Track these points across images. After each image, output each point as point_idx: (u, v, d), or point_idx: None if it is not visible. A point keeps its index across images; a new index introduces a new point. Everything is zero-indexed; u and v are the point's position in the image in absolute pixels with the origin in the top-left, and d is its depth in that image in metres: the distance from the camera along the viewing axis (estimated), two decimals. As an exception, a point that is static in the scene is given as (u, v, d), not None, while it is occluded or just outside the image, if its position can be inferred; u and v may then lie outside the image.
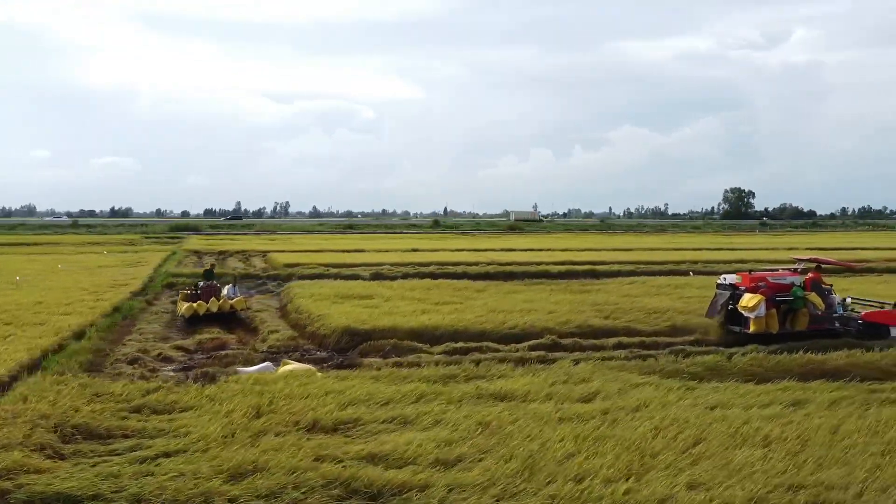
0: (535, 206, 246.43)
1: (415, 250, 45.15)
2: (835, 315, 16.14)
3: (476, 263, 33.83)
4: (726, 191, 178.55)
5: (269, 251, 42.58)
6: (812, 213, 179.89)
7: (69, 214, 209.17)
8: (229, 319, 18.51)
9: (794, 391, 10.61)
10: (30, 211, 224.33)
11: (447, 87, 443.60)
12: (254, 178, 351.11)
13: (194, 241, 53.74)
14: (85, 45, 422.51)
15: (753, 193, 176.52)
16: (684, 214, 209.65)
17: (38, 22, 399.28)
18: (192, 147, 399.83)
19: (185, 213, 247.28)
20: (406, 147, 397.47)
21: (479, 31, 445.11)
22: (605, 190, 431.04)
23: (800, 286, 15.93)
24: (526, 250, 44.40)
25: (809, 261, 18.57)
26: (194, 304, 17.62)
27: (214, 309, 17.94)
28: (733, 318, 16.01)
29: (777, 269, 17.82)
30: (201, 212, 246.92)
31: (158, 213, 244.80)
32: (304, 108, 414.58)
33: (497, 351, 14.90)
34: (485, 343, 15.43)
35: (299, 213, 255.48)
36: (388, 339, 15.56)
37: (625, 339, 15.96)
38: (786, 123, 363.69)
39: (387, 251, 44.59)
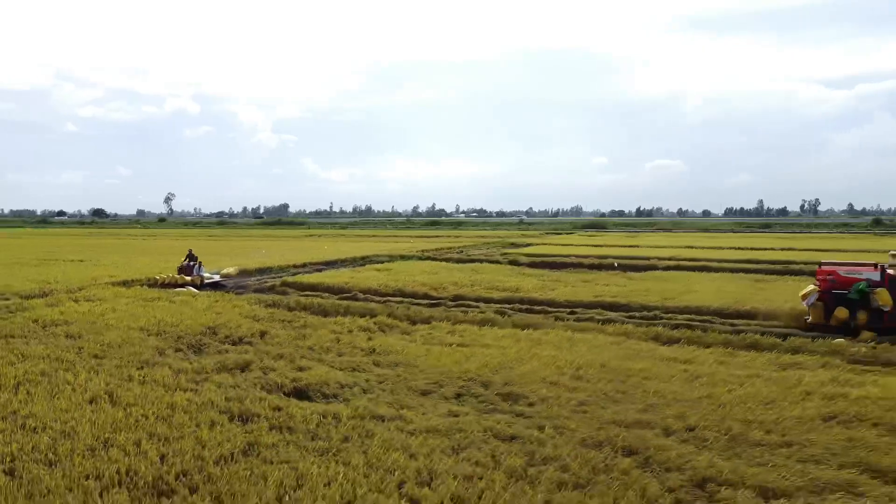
0: None
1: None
2: None
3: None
4: None
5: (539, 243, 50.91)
6: None
7: (601, 213, 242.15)
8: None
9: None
10: (576, 211, 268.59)
11: None
12: (806, 172, 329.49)
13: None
14: (637, 59, 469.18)
15: None
16: None
17: (604, 48, 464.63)
18: (740, 145, 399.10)
19: (705, 213, 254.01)
20: None
21: None
22: None
23: (865, 282, 15.65)
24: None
25: None
26: (176, 276, 24.13)
27: (188, 279, 23.87)
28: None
29: (858, 264, 16.91)
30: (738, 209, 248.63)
31: (679, 212, 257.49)
32: (867, 92, 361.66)
33: None
34: None
35: (829, 211, 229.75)
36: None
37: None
38: None
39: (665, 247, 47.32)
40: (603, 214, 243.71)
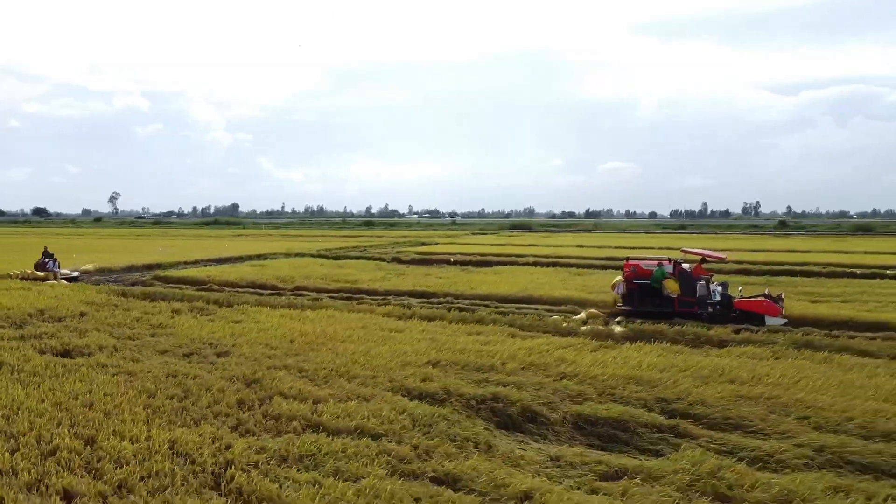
0: None
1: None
2: (709, 301, 18.20)
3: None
4: None
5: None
6: None
7: (554, 215, 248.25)
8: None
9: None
10: (529, 212, 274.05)
11: None
12: (753, 176, 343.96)
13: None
14: (590, 60, 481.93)
15: None
16: None
17: (546, 45, 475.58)
18: (691, 148, 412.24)
19: (653, 214, 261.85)
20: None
21: None
22: None
23: (659, 269, 18.70)
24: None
25: (693, 253, 20.63)
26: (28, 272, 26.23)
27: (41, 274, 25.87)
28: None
29: (657, 259, 20.18)
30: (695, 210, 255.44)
31: (627, 214, 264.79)
32: (811, 99, 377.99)
33: None
34: None
35: (773, 213, 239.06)
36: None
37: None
38: None
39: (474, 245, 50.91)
40: (555, 215, 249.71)
